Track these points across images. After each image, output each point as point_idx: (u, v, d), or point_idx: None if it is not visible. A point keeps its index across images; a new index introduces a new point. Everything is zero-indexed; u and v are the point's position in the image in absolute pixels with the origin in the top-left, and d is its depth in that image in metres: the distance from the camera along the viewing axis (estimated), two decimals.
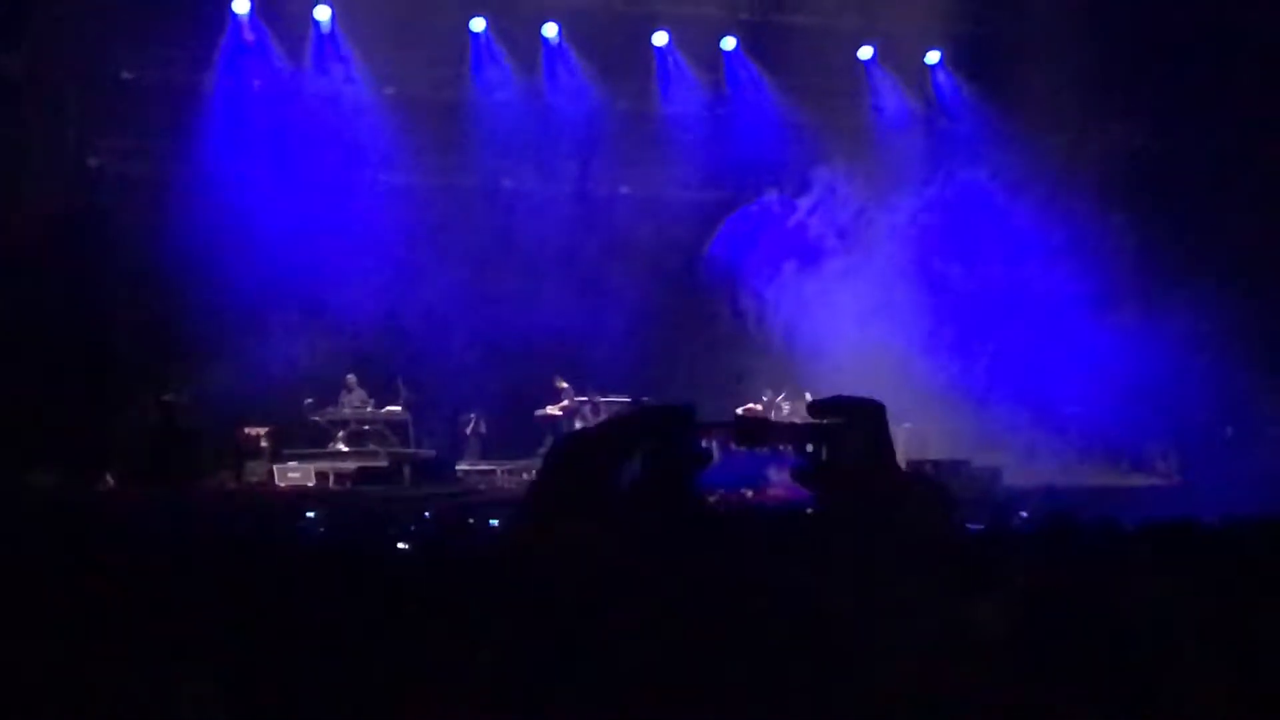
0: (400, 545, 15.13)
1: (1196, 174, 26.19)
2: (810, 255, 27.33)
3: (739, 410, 26.58)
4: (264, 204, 24.92)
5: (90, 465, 21.59)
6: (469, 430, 26.11)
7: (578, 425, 25.95)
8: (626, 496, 3.07)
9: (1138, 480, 24.90)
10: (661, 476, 3.07)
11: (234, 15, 26.14)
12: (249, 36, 26.16)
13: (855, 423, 3.45)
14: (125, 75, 25.48)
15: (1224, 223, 25.66)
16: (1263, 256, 24.79)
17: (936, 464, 23.83)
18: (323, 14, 26.56)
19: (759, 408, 26.81)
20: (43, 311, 23.00)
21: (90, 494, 20.68)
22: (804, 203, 27.60)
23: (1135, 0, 26.43)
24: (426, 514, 18.09)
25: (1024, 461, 24.36)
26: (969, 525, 14.24)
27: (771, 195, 27.76)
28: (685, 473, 3.13)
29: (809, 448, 3.25)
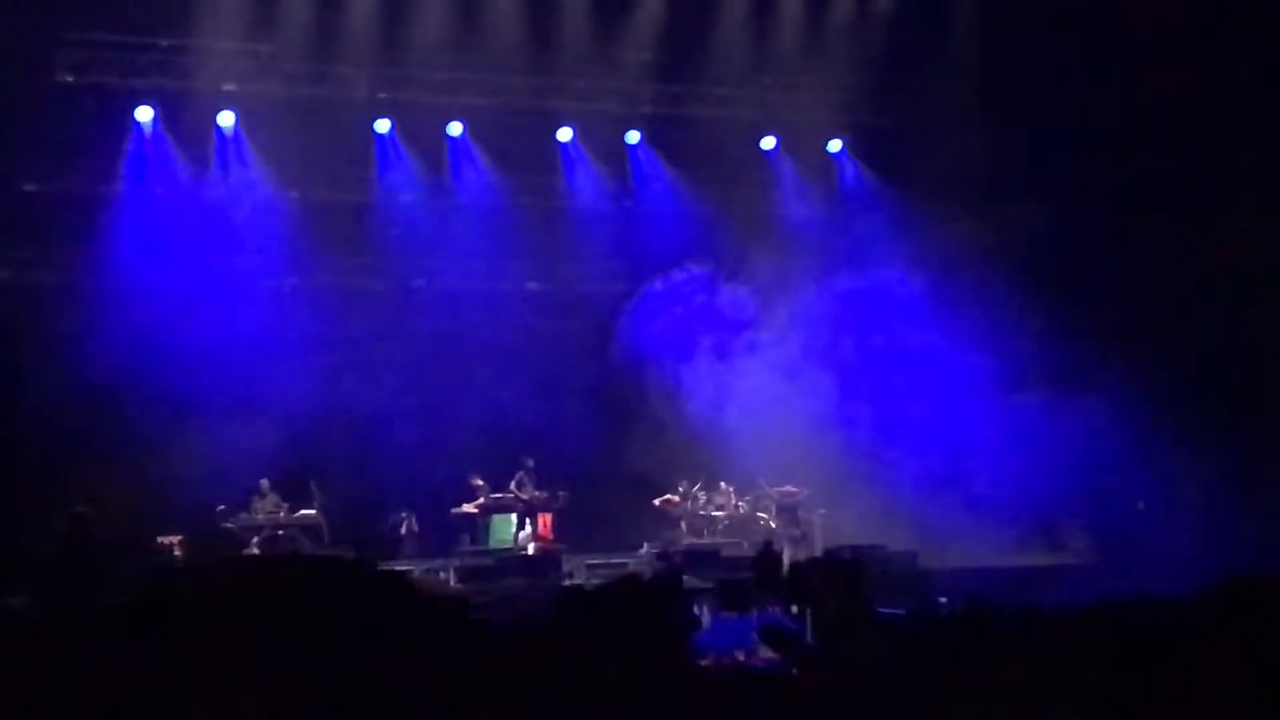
0: None
1: (1095, 252, 26.52)
2: (720, 342, 27.48)
3: (655, 502, 26.66)
4: (172, 311, 24.81)
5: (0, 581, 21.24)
6: (403, 530, 25.92)
7: (497, 520, 25.94)
8: (621, 661, 3.14)
9: (1052, 559, 25.06)
10: (654, 642, 3.14)
11: (136, 123, 26.08)
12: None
13: (834, 582, 3.54)
14: (27, 187, 25.36)
15: (1126, 298, 25.95)
16: (1168, 328, 25.09)
17: (854, 549, 23.91)
18: (226, 120, 26.57)
19: (675, 499, 26.84)
20: None
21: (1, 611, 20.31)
22: (712, 290, 27.77)
23: (1030, 86, 26.83)
24: None
25: (938, 543, 24.46)
26: (886, 610, 14.31)
27: (679, 284, 27.90)
28: (676, 639, 3.20)
29: (793, 608, 3.34)
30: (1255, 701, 6.23)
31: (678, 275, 27.91)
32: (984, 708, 7.71)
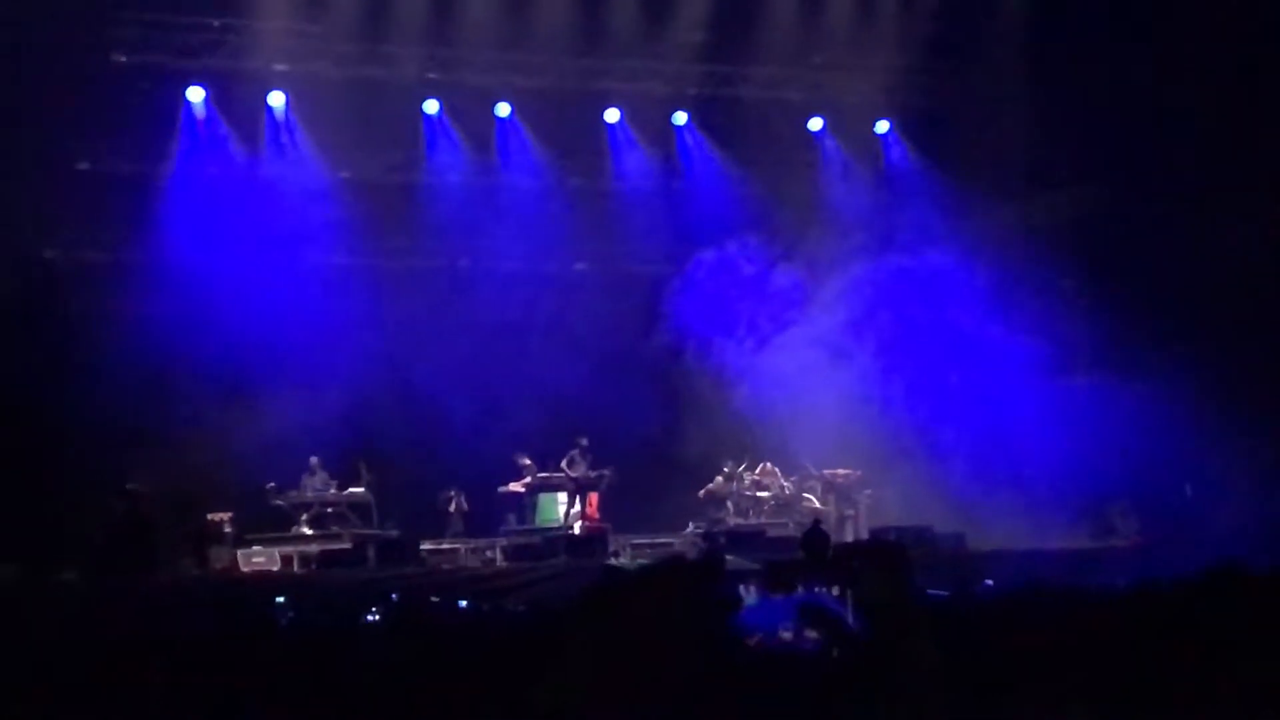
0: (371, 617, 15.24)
1: (1143, 234, 26.43)
2: (766, 322, 27.50)
3: (700, 494, 26.70)
4: (222, 290, 24.98)
5: (52, 557, 21.50)
6: (451, 508, 26.06)
7: (543, 499, 26.07)
8: (666, 640, 3.22)
9: (1098, 542, 25.02)
10: (696, 620, 3.22)
11: (189, 104, 26.25)
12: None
13: (877, 564, 3.61)
14: (81, 166, 25.55)
15: (1174, 280, 25.87)
16: (1215, 311, 25.01)
17: (900, 531, 23.97)
18: (277, 100, 26.72)
19: (717, 487, 26.86)
20: (2, 404, 22.95)
21: (52, 586, 20.58)
22: (759, 270, 27.79)
23: (1079, 65, 26.74)
24: (394, 595, 18.12)
25: (984, 525, 24.46)
26: (932, 592, 14.39)
27: (726, 264, 27.93)
28: (719, 618, 3.28)
29: (835, 590, 3.42)
30: None
31: (724, 255, 27.91)
32: (1028, 690, 7.75)
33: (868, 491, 26.45)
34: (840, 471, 26.82)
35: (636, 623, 3.20)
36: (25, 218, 23.89)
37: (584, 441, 26.39)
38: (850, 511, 26.34)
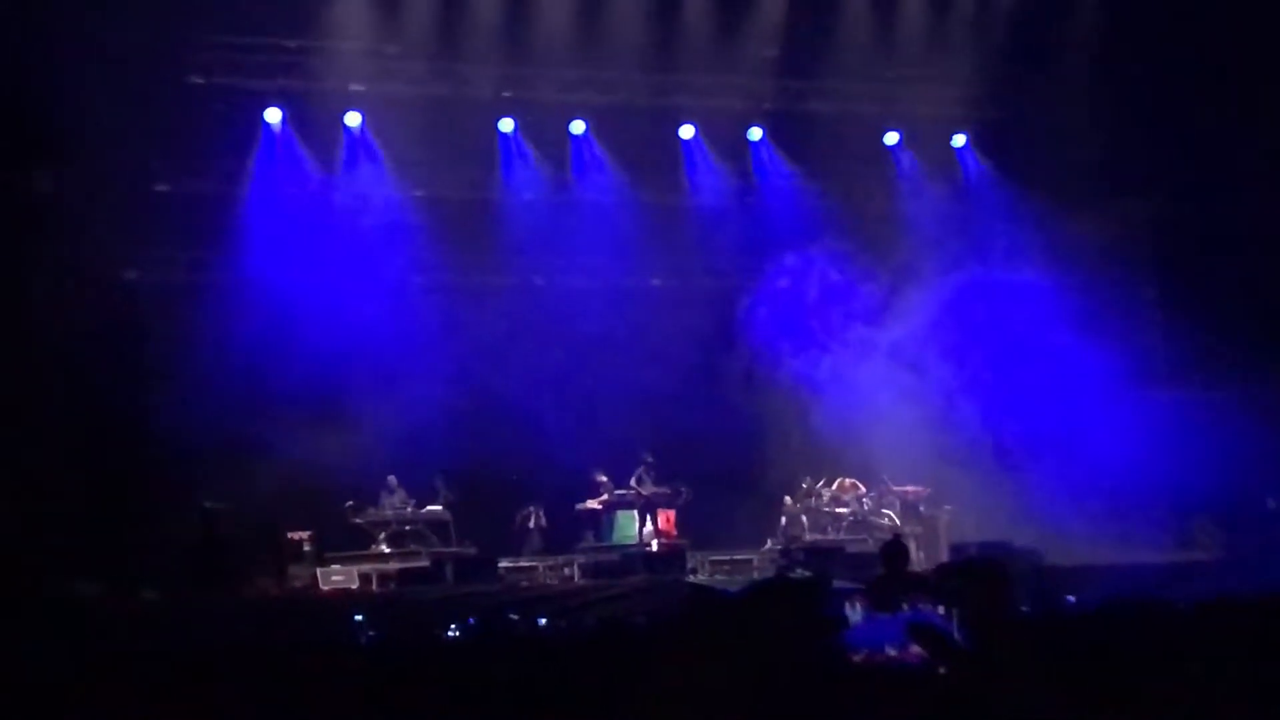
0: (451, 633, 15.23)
1: (1222, 243, 26.22)
2: (843, 337, 27.40)
3: (783, 508, 26.58)
4: (300, 309, 25.10)
5: (133, 575, 21.65)
6: (531, 524, 26.09)
7: (621, 516, 26.02)
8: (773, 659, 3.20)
9: (1179, 556, 24.74)
10: (803, 639, 3.21)
11: (265, 124, 26.45)
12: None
13: (981, 582, 3.58)
14: (159, 188, 25.76)
15: (1254, 290, 25.64)
16: None
17: (980, 546, 23.80)
18: (353, 120, 26.86)
19: (792, 499, 26.76)
20: (83, 423, 23.14)
21: (134, 604, 20.72)
22: (834, 284, 27.69)
23: (1154, 76, 26.57)
24: (470, 620, 18.13)
25: (1064, 540, 24.26)
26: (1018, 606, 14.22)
27: (802, 279, 27.86)
28: (825, 635, 3.27)
29: (939, 608, 3.39)
30: None
31: (800, 269, 27.83)
32: (1117, 706, 7.64)
33: (947, 507, 26.27)
34: (910, 488, 26.69)
35: (741, 642, 3.18)
36: (105, 240, 24.10)
37: (649, 458, 26.37)
38: (918, 529, 26.14)
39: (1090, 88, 27.40)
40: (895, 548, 13.26)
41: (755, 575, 24.62)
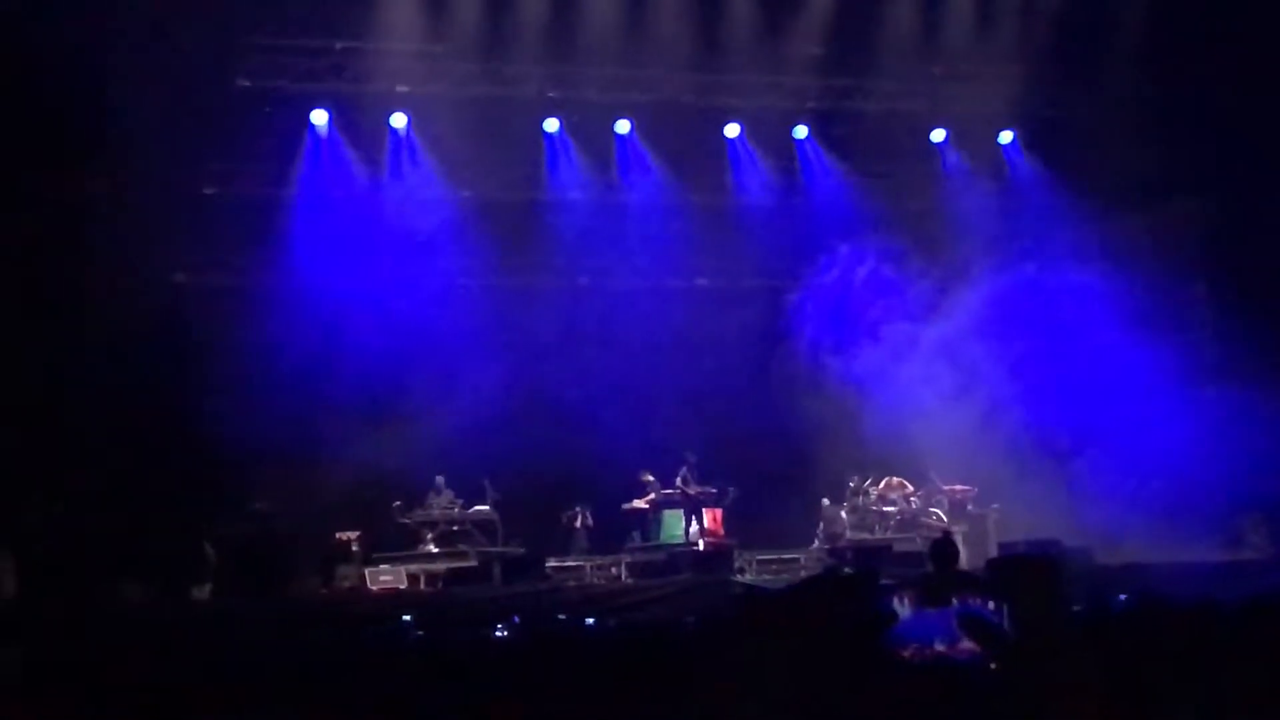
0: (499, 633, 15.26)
1: (1273, 240, 26.05)
2: (891, 335, 27.34)
3: (821, 525, 26.51)
4: (347, 311, 25.23)
5: (184, 576, 21.75)
6: (577, 524, 26.14)
7: (667, 516, 26.00)
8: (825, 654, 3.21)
9: (1230, 555, 24.55)
10: (854, 634, 3.22)
11: (313, 127, 26.55)
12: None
13: (1033, 577, 3.58)
14: (207, 191, 25.91)
15: None
16: None
17: (1029, 545, 23.68)
18: (399, 121, 26.96)
19: (826, 502, 26.72)
20: (133, 426, 23.27)
21: (182, 605, 20.82)
22: (881, 282, 27.64)
23: (1203, 73, 26.41)
24: (517, 619, 18.13)
25: (1113, 537, 24.13)
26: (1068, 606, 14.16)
27: (848, 276, 27.83)
28: (875, 630, 3.28)
29: (990, 604, 3.36)
30: None
31: (847, 268, 27.80)
32: (1167, 705, 7.60)
33: (995, 506, 26.16)
34: (958, 487, 26.61)
35: (793, 638, 3.19)
36: (155, 243, 24.24)
37: (692, 458, 26.35)
38: (965, 528, 26.02)
39: (1140, 84, 27.24)
40: (944, 546, 13.16)
41: (803, 574, 24.64)
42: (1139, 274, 26.81)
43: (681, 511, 26.11)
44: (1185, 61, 26.47)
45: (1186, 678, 7.82)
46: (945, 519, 26.26)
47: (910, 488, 26.96)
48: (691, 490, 26.09)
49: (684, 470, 26.22)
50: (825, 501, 26.76)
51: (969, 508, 26.35)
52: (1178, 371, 25.84)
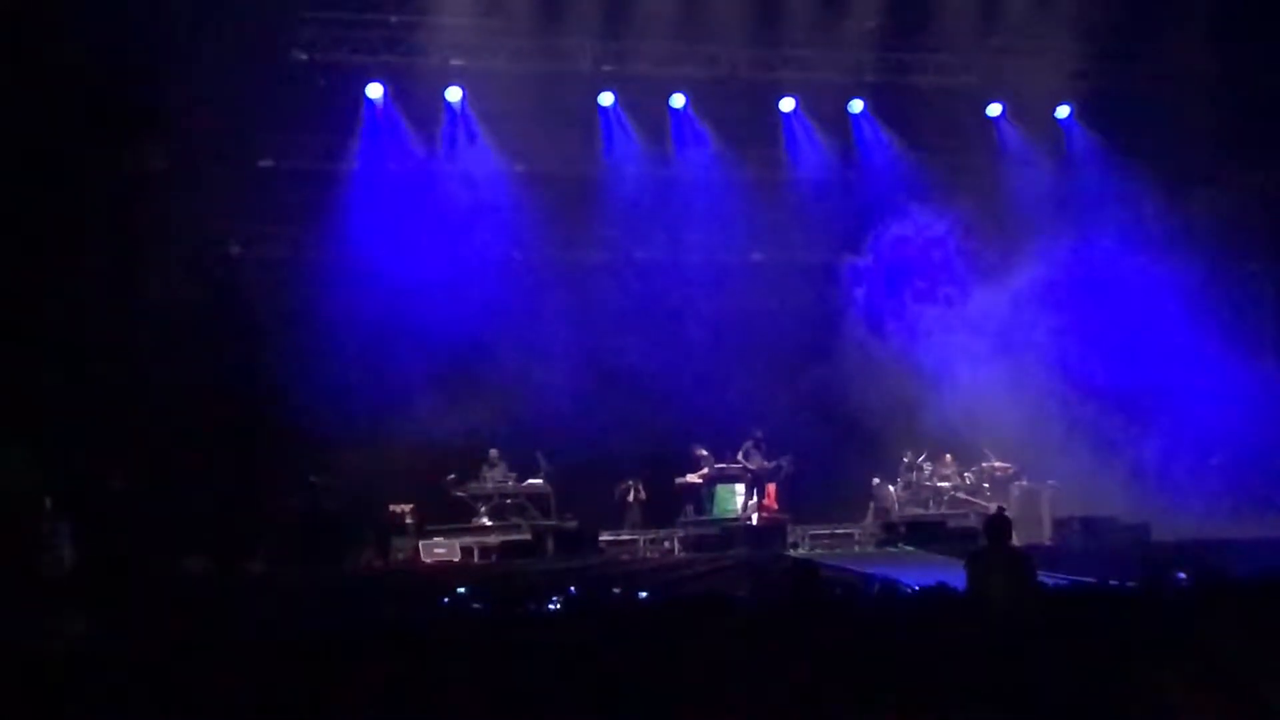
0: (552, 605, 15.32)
1: None
2: (946, 312, 27.26)
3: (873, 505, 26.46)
4: (402, 284, 25.25)
5: (240, 549, 21.89)
6: (630, 498, 26.14)
7: (721, 490, 25.99)
8: None
9: None
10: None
11: (368, 100, 26.59)
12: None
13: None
14: (264, 163, 25.99)
15: None
16: None
17: (1085, 521, 23.61)
18: (454, 95, 26.95)
19: (876, 481, 26.64)
20: (189, 398, 23.41)
21: (240, 577, 20.96)
22: (938, 258, 27.56)
23: (1263, 47, 26.18)
24: (571, 589, 18.19)
25: (1170, 513, 24.01)
26: (1117, 582, 14.16)
27: (905, 252, 27.75)
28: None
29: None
30: None
31: (903, 244, 27.73)
32: (1217, 681, 7.57)
33: (1051, 482, 25.95)
34: (997, 465, 26.49)
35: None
36: (210, 215, 24.36)
37: (759, 433, 26.32)
38: (1019, 504, 25.90)
39: (1201, 57, 26.96)
40: (998, 522, 13.13)
41: (855, 549, 24.62)
42: (1199, 249, 26.64)
43: (734, 486, 26.08)
44: (1248, 33, 26.23)
45: (1247, 655, 7.77)
46: (999, 493, 26.15)
47: (963, 464, 26.85)
48: (754, 465, 26.06)
49: (749, 444, 26.18)
50: (875, 480, 26.67)
51: (1023, 482, 26.21)
52: (1238, 347, 25.68)
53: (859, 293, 27.59)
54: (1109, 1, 27.38)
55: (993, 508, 23.46)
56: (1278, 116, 26.43)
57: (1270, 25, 26.06)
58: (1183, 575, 14.72)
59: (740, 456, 26.12)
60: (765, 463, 26.10)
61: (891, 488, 26.59)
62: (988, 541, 12.94)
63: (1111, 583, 16.80)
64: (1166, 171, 27.20)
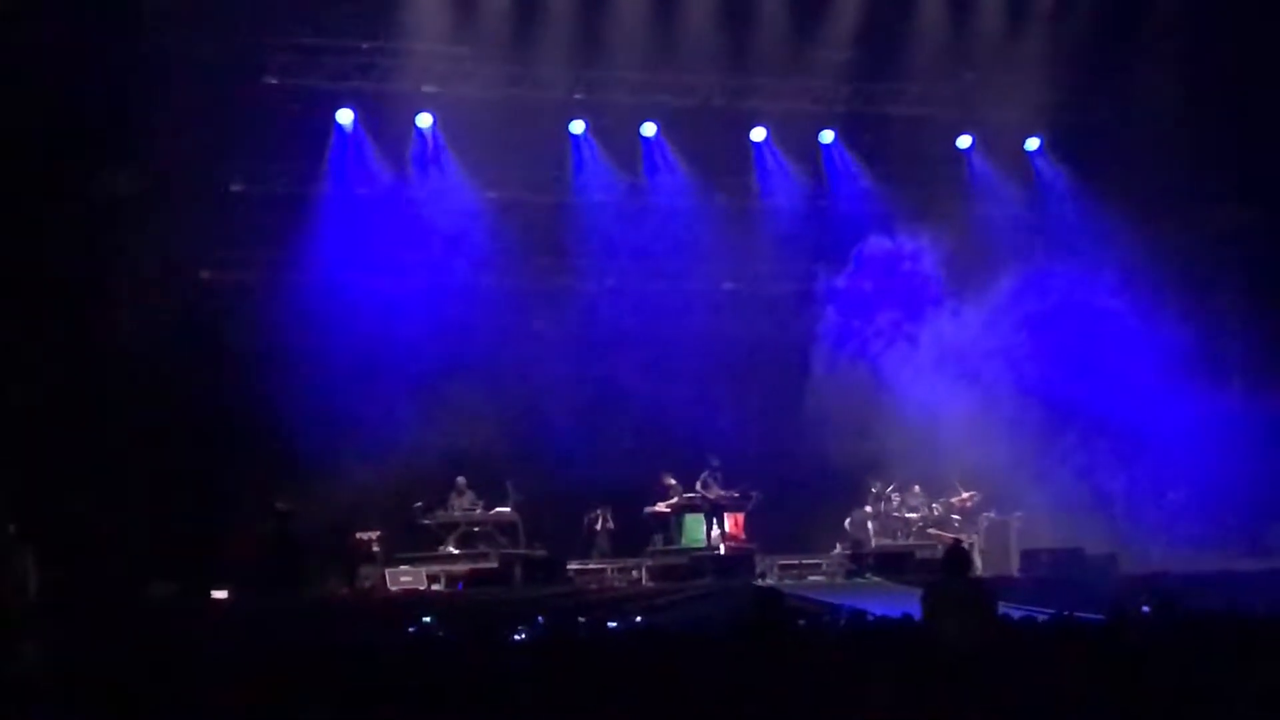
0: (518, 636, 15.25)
1: None
2: (914, 342, 27.31)
3: (846, 522, 26.45)
4: (371, 310, 25.23)
5: (206, 575, 21.78)
6: (598, 526, 26.09)
7: (689, 520, 25.94)
8: None
9: (1261, 563, 24.42)
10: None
11: (338, 126, 26.55)
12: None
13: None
14: (235, 188, 25.92)
15: None
16: None
17: (1052, 553, 23.64)
18: (424, 121, 26.94)
19: (869, 510, 26.64)
20: (157, 423, 23.31)
21: (207, 604, 20.85)
22: (906, 288, 27.63)
23: (1228, 83, 26.39)
24: (539, 618, 18.12)
25: (1136, 546, 24.08)
26: (1084, 615, 14.16)
27: (872, 282, 27.82)
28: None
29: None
30: None
31: (871, 274, 27.79)
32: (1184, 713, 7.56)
33: (1019, 514, 25.96)
34: (965, 496, 26.53)
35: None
36: (181, 239, 24.25)
37: (715, 462, 26.27)
38: (986, 535, 25.94)
39: (1170, 91, 27.14)
40: (956, 553, 13.07)
41: (822, 580, 24.60)
42: (1167, 282, 26.77)
43: (702, 515, 26.03)
44: (1217, 69, 26.41)
45: (1211, 689, 7.77)
46: (968, 525, 26.17)
47: (931, 495, 26.86)
48: (712, 495, 26.00)
49: (705, 474, 26.13)
50: (857, 509, 26.65)
51: (991, 514, 26.23)
52: (1205, 377, 25.78)
53: (829, 322, 27.58)
54: (1079, 37, 27.57)
55: (964, 538, 23.56)
56: (1243, 151, 26.57)
57: (1235, 62, 26.24)
58: (1146, 609, 14.73)
59: (698, 486, 26.05)
60: (723, 492, 26.03)
61: (870, 523, 26.55)
62: (945, 573, 12.86)
63: (1077, 615, 16.82)
64: (1134, 204, 27.31)
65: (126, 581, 20.31)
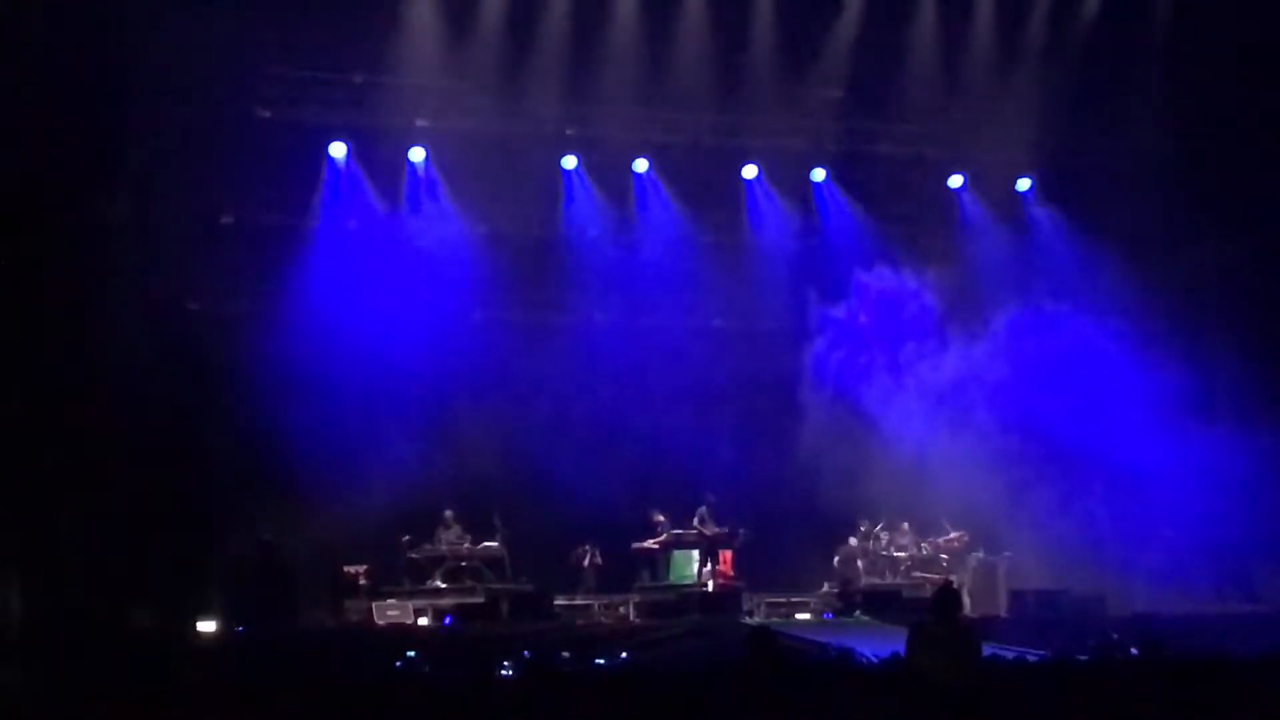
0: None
1: None
2: (904, 380, 27.31)
3: (835, 559, 26.44)
4: (361, 343, 25.18)
5: (190, 606, 21.69)
6: (586, 562, 26.02)
7: (677, 556, 25.91)
8: None
9: (1248, 607, 24.41)
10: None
11: (331, 159, 26.57)
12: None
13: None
14: (224, 220, 25.92)
15: None
16: None
17: (1040, 594, 23.61)
18: (417, 155, 26.97)
19: (855, 541, 26.63)
20: (144, 453, 23.24)
21: (190, 635, 20.76)
22: (896, 326, 27.64)
23: (1222, 119, 26.48)
24: (525, 653, 18.05)
25: (1124, 587, 24.05)
26: (1071, 656, 14.13)
27: (863, 320, 27.83)
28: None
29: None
30: None
31: (862, 312, 27.81)
32: None
33: (1007, 554, 25.94)
34: (954, 535, 26.52)
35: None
36: (171, 270, 24.22)
37: (711, 498, 26.24)
38: (975, 574, 25.90)
39: (1160, 132, 27.25)
40: (945, 593, 13.01)
41: (809, 617, 24.55)
42: (1157, 321, 26.82)
43: (691, 552, 25.99)
44: (1206, 107, 26.52)
45: None
46: (956, 564, 26.15)
47: (918, 534, 26.84)
48: (709, 531, 25.94)
49: (702, 510, 26.08)
50: (851, 541, 26.63)
51: (980, 554, 26.21)
52: (1196, 417, 25.80)
53: (819, 359, 27.56)
54: (1070, 77, 27.66)
55: (952, 578, 23.50)
56: (1233, 190, 26.66)
57: (1224, 101, 26.36)
58: (1134, 651, 14.73)
59: (695, 522, 26.01)
60: (717, 528, 26.00)
61: (859, 561, 26.51)
62: (934, 614, 12.79)
63: (1064, 656, 16.79)
64: (1124, 243, 27.37)
65: (110, 610, 20.20)
